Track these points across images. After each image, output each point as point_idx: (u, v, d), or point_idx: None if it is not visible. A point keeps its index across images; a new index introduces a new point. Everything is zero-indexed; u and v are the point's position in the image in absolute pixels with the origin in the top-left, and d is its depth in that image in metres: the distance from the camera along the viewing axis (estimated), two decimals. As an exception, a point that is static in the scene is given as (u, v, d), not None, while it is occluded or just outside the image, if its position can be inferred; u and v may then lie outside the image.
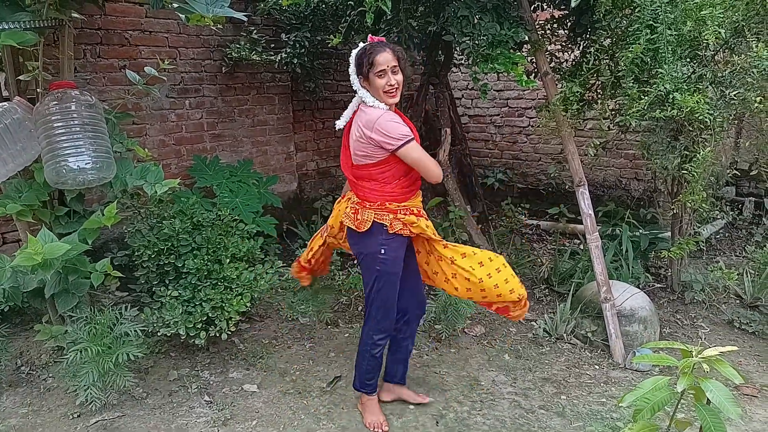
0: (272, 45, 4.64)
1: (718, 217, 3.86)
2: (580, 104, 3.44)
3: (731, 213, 4.42)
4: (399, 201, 2.43)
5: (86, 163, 2.51)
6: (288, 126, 5.19)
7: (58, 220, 2.92)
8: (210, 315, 2.99)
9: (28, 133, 2.59)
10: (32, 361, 3.09)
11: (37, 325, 3.00)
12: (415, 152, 2.35)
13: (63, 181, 2.54)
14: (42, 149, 2.53)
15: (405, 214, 2.43)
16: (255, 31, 4.51)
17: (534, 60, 3.57)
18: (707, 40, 2.69)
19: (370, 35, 2.44)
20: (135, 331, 2.73)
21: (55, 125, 2.48)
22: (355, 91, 2.41)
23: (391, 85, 2.31)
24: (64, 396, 2.82)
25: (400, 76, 2.34)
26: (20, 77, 2.71)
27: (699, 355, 1.75)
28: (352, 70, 2.39)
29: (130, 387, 2.77)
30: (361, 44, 2.40)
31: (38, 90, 2.73)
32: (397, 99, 2.37)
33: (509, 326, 3.67)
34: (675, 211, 3.64)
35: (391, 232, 2.41)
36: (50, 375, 2.99)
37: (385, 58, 2.28)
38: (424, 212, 2.55)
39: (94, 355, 2.58)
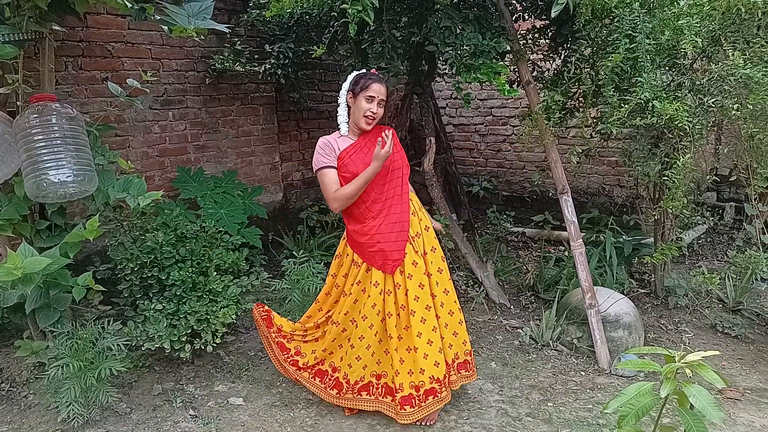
0: (256, 56, 4.64)
1: (700, 222, 3.92)
2: (562, 113, 3.48)
3: (712, 218, 4.49)
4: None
5: (67, 176, 2.48)
6: (273, 136, 5.19)
7: (39, 234, 2.88)
8: (195, 328, 2.97)
9: (8, 146, 2.56)
10: (13, 377, 3.03)
11: (18, 341, 2.94)
12: (323, 179, 2.57)
13: (44, 195, 2.51)
14: (22, 162, 2.50)
15: None
16: (239, 42, 4.51)
17: (516, 69, 3.61)
18: (685, 49, 2.74)
19: (374, 69, 2.72)
20: (118, 345, 2.69)
21: (36, 138, 2.45)
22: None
23: (372, 112, 2.54)
24: (46, 413, 2.77)
25: (381, 111, 2.58)
26: (-1, 90, 2.68)
27: (681, 360, 1.76)
28: (344, 86, 2.60)
29: (113, 402, 2.73)
30: (364, 70, 2.66)
31: (18, 103, 2.70)
32: (369, 128, 2.59)
33: (496, 334, 3.68)
34: (657, 217, 3.69)
35: None
36: (31, 392, 2.94)
37: (379, 90, 2.53)
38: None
39: (76, 371, 2.53)
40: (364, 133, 2.62)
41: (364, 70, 2.65)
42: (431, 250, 2.68)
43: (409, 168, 2.71)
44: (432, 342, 2.56)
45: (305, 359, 2.75)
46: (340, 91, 2.62)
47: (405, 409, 2.54)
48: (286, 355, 2.76)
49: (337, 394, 2.69)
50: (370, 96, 2.51)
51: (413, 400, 2.54)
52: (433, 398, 2.57)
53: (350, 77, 2.60)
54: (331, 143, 2.60)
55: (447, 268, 2.73)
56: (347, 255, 2.67)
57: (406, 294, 2.56)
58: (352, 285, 2.62)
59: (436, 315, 2.63)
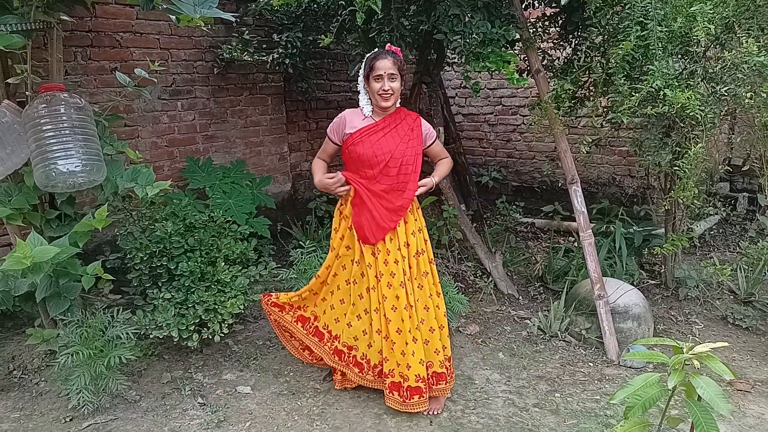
0: (264, 45, 4.63)
1: (712, 213, 3.86)
2: (572, 102, 3.44)
3: (725, 209, 4.43)
4: None
5: (76, 166, 2.50)
6: (281, 126, 5.18)
7: (48, 223, 2.91)
8: (203, 317, 2.98)
9: (18, 136, 2.57)
10: (24, 365, 3.08)
11: (29, 329, 2.98)
12: (324, 143, 2.74)
13: (53, 184, 2.52)
14: (31, 152, 2.52)
15: None
16: (246, 32, 4.50)
17: (526, 58, 3.57)
18: (697, 36, 2.69)
19: (389, 44, 2.64)
20: (127, 333, 2.72)
21: (45, 128, 2.47)
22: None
23: (384, 90, 2.49)
24: (57, 400, 2.81)
25: (396, 84, 2.52)
26: (8, 80, 2.69)
27: (690, 352, 1.75)
28: (360, 72, 2.59)
29: (122, 390, 2.76)
30: (376, 50, 2.62)
31: (27, 93, 2.71)
32: (389, 104, 2.54)
33: (504, 325, 3.67)
34: (668, 208, 3.65)
35: None
36: (42, 379, 2.98)
37: (384, 65, 2.47)
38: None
39: (86, 359, 2.56)
40: (388, 114, 2.59)
41: (375, 51, 2.60)
42: (421, 252, 2.67)
43: (419, 167, 2.64)
44: (416, 340, 2.56)
45: (321, 322, 2.79)
46: (358, 79, 2.62)
47: (393, 395, 2.58)
48: (307, 329, 2.81)
49: (359, 372, 2.71)
50: (377, 75, 2.48)
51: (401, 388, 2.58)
52: (419, 398, 2.57)
53: (362, 64, 2.59)
54: (345, 120, 2.62)
55: (435, 272, 2.71)
56: (345, 218, 2.71)
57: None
58: (351, 260, 2.65)
59: (419, 318, 2.64)
